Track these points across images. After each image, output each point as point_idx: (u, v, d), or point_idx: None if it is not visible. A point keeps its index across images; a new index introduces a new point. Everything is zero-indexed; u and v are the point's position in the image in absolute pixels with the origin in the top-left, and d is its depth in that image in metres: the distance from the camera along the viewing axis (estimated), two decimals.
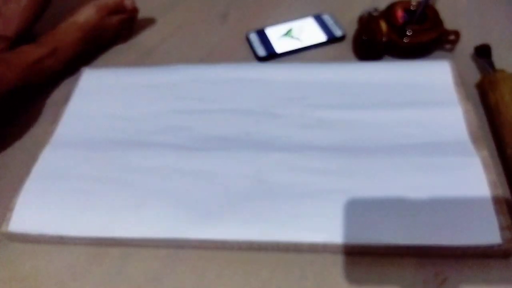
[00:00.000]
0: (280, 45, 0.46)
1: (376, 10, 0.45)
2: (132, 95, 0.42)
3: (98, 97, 0.42)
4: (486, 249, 0.28)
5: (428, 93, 0.38)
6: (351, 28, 0.46)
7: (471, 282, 0.28)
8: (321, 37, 0.47)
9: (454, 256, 0.29)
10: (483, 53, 0.41)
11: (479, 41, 0.42)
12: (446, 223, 0.29)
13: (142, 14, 0.53)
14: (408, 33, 0.42)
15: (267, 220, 0.31)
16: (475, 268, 0.28)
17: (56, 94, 0.45)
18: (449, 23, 0.43)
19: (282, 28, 0.48)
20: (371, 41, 0.42)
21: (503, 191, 0.30)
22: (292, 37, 0.47)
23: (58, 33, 0.43)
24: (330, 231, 0.29)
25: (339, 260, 0.29)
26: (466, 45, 0.43)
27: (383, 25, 0.42)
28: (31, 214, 0.33)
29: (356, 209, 0.30)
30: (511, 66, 0.38)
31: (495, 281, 0.27)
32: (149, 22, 0.52)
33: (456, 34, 0.42)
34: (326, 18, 0.49)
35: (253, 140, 0.36)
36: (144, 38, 0.51)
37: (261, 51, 0.46)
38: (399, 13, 0.42)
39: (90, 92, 0.43)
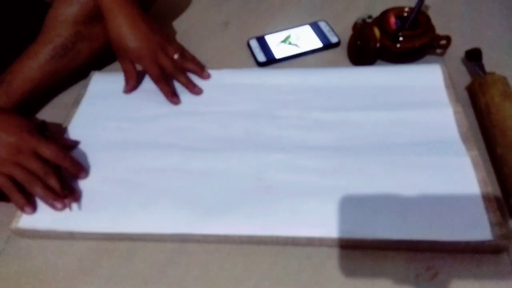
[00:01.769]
0: (278, 51, 0.48)
1: (370, 17, 0.47)
2: (139, 98, 0.44)
3: (106, 100, 0.44)
4: (477, 245, 0.29)
5: (419, 95, 0.39)
6: (346, 35, 0.47)
7: (462, 276, 0.28)
8: (318, 43, 0.48)
9: (446, 251, 0.30)
10: (474, 56, 0.42)
11: (469, 45, 0.43)
12: (438, 219, 0.30)
13: None
14: (400, 39, 0.43)
15: (267, 216, 0.32)
16: (466, 263, 0.29)
17: (66, 96, 0.46)
18: (441, 28, 0.44)
19: (281, 35, 0.50)
20: (365, 47, 0.44)
21: (493, 189, 0.32)
22: (290, 43, 0.49)
23: None
24: (327, 226, 0.31)
25: (335, 253, 0.31)
26: (457, 49, 0.44)
27: (377, 31, 0.43)
28: (40, 211, 0.34)
29: (351, 205, 0.32)
30: (501, 69, 0.40)
31: (485, 275, 0.28)
32: None
33: (448, 39, 0.43)
34: (322, 25, 0.51)
35: (254, 141, 0.38)
36: None
37: (261, 57, 0.48)
38: (392, 20, 0.44)
39: (99, 95, 0.44)
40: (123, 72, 0.44)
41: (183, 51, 0.44)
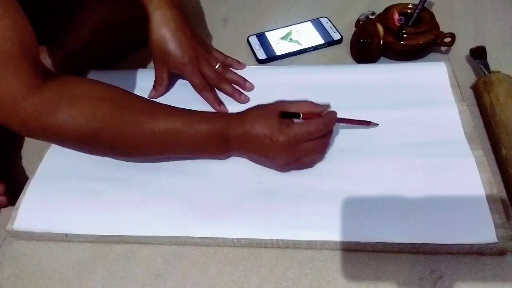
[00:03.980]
0: (279, 48, 0.47)
1: (373, 13, 0.46)
2: None
3: None
4: (481, 247, 0.28)
5: (424, 94, 0.38)
6: (349, 31, 0.46)
7: (467, 279, 0.28)
8: (319, 40, 0.47)
9: (450, 253, 0.29)
10: (478, 55, 0.42)
11: (474, 43, 0.42)
12: (442, 222, 0.30)
13: None
14: (404, 36, 0.42)
15: (267, 218, 0.31)
16: (470, 265, 0.29)
17: None
18: (445, 26, 0.43)
19: (281, 31, 0.49)
20: (368, 44, 0.43)
21: (498, 190, 0.31)
22: (291, 40, 0.48)
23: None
24: (328, 229, 0.30)
25: (337, 257, 0.30)
26: (462, 47, 0.43)
27: (380, 28, 0.43)
28: (36, 213, 0.34)
29: (353, 208, 0.31)
30: (506, 68, 0.39)
31: (490, 278, 0.28)
32: None
33: (452, 36, 0.42)
34: (324, 21, 0.50)
35: None
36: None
37: (261, 54, 0.47)
38: (396, 16, 0.43)
39: None
40: (155, 78, 0.41)
41: (225, 60, 0.42)
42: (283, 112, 0.32)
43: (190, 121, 0.32)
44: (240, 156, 0.35)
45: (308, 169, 0.34)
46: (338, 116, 0.34)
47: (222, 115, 0.35)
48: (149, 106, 0.33)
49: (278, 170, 0.34)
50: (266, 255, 0.31)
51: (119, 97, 0.32)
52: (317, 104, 0.33)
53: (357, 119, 0.35)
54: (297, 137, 0.31)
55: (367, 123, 0.36)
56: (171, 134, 0.32)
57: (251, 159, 0.35)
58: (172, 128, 0.32)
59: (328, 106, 0.34)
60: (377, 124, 0.36)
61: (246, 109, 0.34)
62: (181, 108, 0.34)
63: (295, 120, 0.32)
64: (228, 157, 0.35)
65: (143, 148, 0.33)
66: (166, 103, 0.34)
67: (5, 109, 0.28)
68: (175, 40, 0.38)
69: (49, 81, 0.30)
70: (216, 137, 0.32)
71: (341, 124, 0.36)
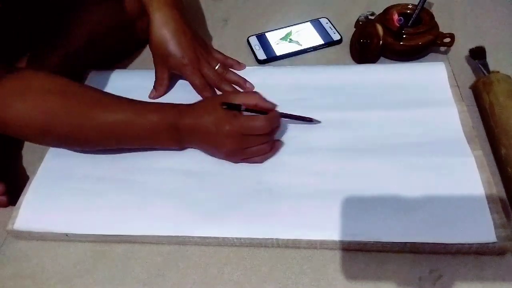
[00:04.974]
0: (279, 49, 0.47)
1: (372, 14, 0.46)
2: (136, 96, 0.43)
3: None
4: (481, 247, 0.29)
5: (423, 94, 0.39)
6: (348, 32, 0.47)
7: (466, 279, 0.28)
8: (319, 40, 0.48)
9: (450, 253, 0.29)
10: (477, 55, 0.42)
11: (473, 44, 0.42)
12: (442, 221, 0.30)
13: None
14: (404, 36, 0.42)
15: (267, 218, 0.31)
16: (470, 265, 0.29)
17: None
18: (444, 26, 0.44)
19: (281, 32, 0.50)
20: (368, 44, 0.43)
21: (497, 190, 0.31)
22: (291, 40, 0.48)
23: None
24: (328, 228, 0.30)
25: (336, 256, 0.30)
26: (461, 48, 0.43)
27: (380, 29, 0.43)
28: (36, 212, 0.34)
29: (353, 207, 0.31)
30: (505, 68, 0.39)
31: (489, 278, 0.28)
32: None
33: (451, 36, 0.42)
34: (324, 22, 0.50)
35: None
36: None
37: (261, 54, 0.47)
38: (395, 17, 0.43)
39: None
40: (156, 79, 0.41)
41: (225, 61, 0.43)
42: (224, 103, 0.33)
43: (141, 112, 0.33)
44: (194, 147, 0.36)
45: (308, 169, 0.34)
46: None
47: (173, 106, 0.36)
48: (100, 98, 0.33)
49: (228, 160, 0.35)
50: (266, 254, 0.31)
51: (71, 90, 0.33)
52: (265, 99, 0.34)
53: (300, 115, 0.36)
54: (241, 128, 0.32)
55: (309, 119, 0.37)
56: (122, 125, 0.32)
57: (202, 149, 0.36)
58: (123, 119, 0.32)
59: (275, 105, 0.34)
60: (320, 121, 0.37)
61: (197, 101, 0.35)
62: (133, 99, 0.34)
63: (245, 113, 0.33)
64: (184, 148, 0.36)
65: (95, 139, 0.33)
66: None
67: None
68: (176, 41, 0.38)
69: (6, 76, 0.30)
70: (167, 128, 0.33)
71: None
